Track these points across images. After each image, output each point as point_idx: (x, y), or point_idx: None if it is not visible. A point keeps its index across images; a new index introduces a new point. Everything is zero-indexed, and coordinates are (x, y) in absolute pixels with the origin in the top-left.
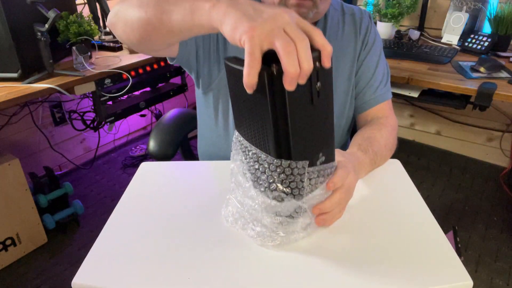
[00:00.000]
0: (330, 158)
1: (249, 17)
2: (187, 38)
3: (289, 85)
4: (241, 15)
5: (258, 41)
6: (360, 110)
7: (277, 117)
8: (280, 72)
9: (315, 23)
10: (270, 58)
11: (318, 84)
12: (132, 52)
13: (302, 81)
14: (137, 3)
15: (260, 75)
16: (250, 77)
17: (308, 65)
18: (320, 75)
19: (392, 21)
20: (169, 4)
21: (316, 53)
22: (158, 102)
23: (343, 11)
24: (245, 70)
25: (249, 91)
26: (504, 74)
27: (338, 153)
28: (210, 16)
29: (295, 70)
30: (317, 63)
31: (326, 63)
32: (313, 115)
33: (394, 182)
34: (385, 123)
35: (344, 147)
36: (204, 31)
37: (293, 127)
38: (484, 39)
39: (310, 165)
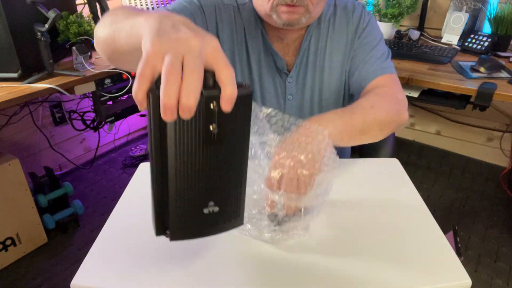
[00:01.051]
0: (229, 214)
1: (160, 33)
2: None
3: (164, 114)
4: (155, 29)
5: (152, 60)
6: (358, 89)
7: (156, 141)
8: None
9: (309, 25)
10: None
11: (214, 126)
12: None
13: (184, 115)
14: (103, 24)
15: (147, 95)
16: (136, 93)
17: (187, 100)
18: (219, 118)
19: (392, 21)
20: (122, 22)
21: (216, 92)
22: None
23: (335, 5)
24: (134, 86)
25: (140, 107)
26: (504, 74)
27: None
28: (140, 30)
29: (169, 100)
30: (214, 103)
31: (224, 106)
32: (207, 157)
33: (394, 182)
34: (376, 92)
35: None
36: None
37: (172, 156)
38: (484, 39)
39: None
